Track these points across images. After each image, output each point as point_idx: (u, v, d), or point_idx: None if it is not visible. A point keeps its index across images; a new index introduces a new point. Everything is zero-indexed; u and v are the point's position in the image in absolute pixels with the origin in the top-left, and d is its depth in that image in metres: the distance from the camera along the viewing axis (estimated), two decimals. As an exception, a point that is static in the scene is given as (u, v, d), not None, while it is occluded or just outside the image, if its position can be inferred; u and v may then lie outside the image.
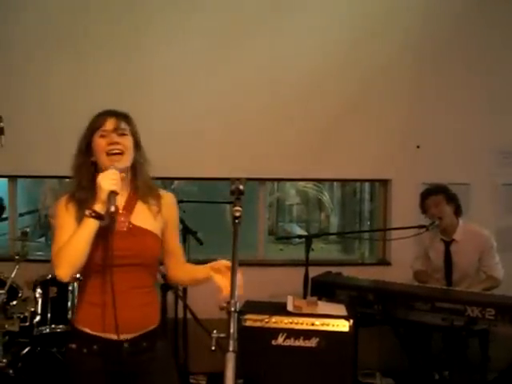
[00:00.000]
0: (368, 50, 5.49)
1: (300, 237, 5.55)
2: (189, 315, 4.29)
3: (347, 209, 9.37)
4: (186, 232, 4.55)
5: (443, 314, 4.06)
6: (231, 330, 1.87)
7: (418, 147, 5.53)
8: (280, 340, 3.89)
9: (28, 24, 5.33)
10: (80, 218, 2.33)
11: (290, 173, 5.66)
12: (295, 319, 3.90)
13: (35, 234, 6.91)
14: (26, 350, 4.00)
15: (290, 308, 4.00)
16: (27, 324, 3.95)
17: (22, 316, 3.99)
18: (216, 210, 6.22)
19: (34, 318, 3.93)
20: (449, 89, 5.53)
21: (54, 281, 4.04)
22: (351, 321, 3.89)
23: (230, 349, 1.82)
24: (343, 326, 3.87)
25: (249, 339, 3.77)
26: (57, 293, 4.01)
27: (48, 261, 5.37)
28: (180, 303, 4.50)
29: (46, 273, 4.12)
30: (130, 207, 2.48)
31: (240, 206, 2.16)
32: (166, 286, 4.13)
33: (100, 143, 2.41)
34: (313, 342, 3.87)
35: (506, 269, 4.60)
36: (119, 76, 5.38)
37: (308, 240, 4.64)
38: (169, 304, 4.41)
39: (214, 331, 2.22)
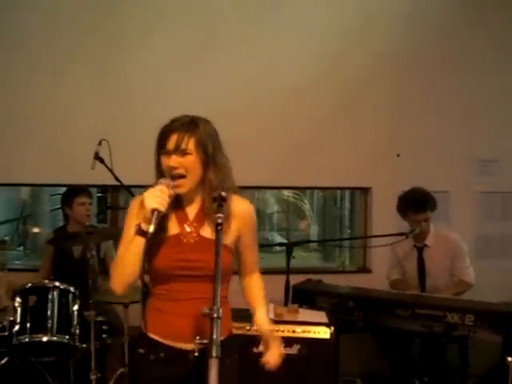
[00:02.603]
0: (347, 60, 5.55)
1: (281, 244, 5.55)
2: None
3: (327, 217, 9.39)
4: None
5: (423, 321, 4.08)
6: (214, 336, 1.89)
7: (398, 155, 5.60)
8: (261, 347, 3.86)
9: (17, 30, 5.33)
10: None
11: (271, 181, 5.68)
12: (276, 327, 3.89)
13: (14, 242, 6.85)
14: (5, 359, 3.95)
15: (271, 315, 3.98)
16: (6, 333, 3.89)
17: (0, 325, 3.94)
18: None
19: (13, 327, 3.86)
20: (429, 98, 5.60)
21: (34, 289, 3.98)
22: (332, 328, 3.89)
23: (213, 355, 1.84)
24: (324, 333, 3.87)
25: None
26: (36, 302, 3.95)
27: (26, 270, 5.38)
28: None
29: (24, 282, 4.07)
30: (199, 219, 2.41)
31: (222, 213, 2.19)
32: (148, 293, 4.12)
33: (163, 163, 2.34)
34: (294, 349, 3.87)
35: (485, 275, 4.65)
36: (98, 82, 5.39)
37: (289, 248, 4.64)
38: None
39: (197, 337, 2.23)
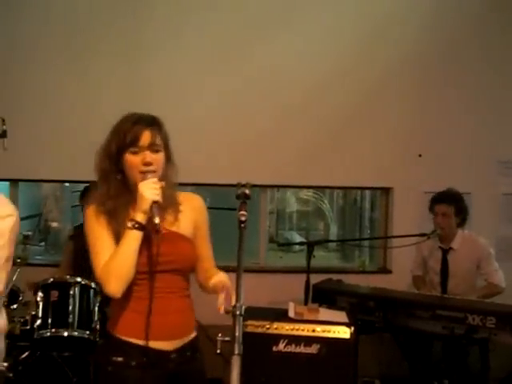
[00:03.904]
0: (371, 59, 5.53)
1: (302, 243, 5.56)
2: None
3: (347, 217, 9.37)
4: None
5: (443, 322, 4.03)
6: (236, 334, 1.88)
7: (419, 156, 5.57)
8: (281, 346, 3.87)
9: (29, 26, 5.38)
10: (113, 230, 2.31)
11: (291, 180, 5.69)
12: (296, 325, 3.88)
13: (36, 238, 6.90)
14: (27, 353, 3.99)
15: (291, 314, 3.99)
16: (28, 327, 3.94)
17: (22, 320, 3.98)
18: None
19: (35, 321, 3.91)
20: (451, 98, 5.57)
21: (56, 284, 4.03)
22: (352, 328, 3.87)
23: (236, 352, 1.83)
24: (344, 332, 3.86)
25: (250, 345, 3.75)
26: (58, 297, 3.98)
27: (48, 265, 5.44)
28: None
29: (47, 276, 4.11)
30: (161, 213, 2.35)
31: (245, 211, 2.18)
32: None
33: (133, 161, 2.31)
34: (314, 349, 3.85)
35: (507, 277, 4.60)
36: (120, 79, 5.44)
37: (310, 247, 4.64)
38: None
39: (219, 335, 2.23)
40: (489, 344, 4.15)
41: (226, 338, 1.99)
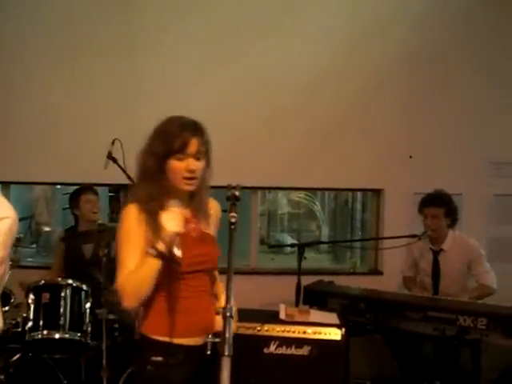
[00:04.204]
0: (361, 61, 5.53)
1: (293, 245, 5.54)
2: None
3: (339, 219, 9.39)
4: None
5: (435, 324, 4.05)
6: (227, 335, 1.89)
7: (410, 157, 5.58)
8: (272, 348, 3.88)
9: (18, 27, 5.34)
10: (150, 229, 2.33)
11: (282, 182, 5.68)
12: (287, 327, 3.89)
13: (27, 240, 6.90)
14: (18, 355, 3.98)
15: (282, 316, 3.99)
16: (19, 330, 3.93)
17: (14, 322, 3.97)
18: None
19: (26, 323, 3.90)
20: (441, 99, 5.59)
21: (47, 287, 4.01)
22: (343, 329, 3.87)
23: (226, 353, 1.84)
24: (335, 334, 3.86)
25: (241, 347, 3.76)
26: (49, 299, 3.97)
27: (40, 267, 5.41)
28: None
29: (38, 279, 4.10)
30: (196, 215, 2.50)
31: (236, 212, 2.21)
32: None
33: (177, 166, 2.37)
34: (305, 351, 3.86)
35: (498, 278, 4.61)
36: (110, 80, 5.41)
37: (301, 248, 4.65)
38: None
39: (209, 335, 2.24)
40: (480, 345, 4.16)
41: (216, 340, 1.99)
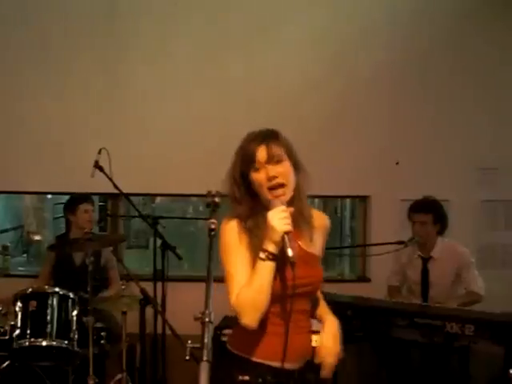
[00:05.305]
0: (347, 66, 5.56)
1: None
2: (167, 330, 4.33)
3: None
4: (165, 248, 4.59)
5: (422, 330, 4.02)
6: (205, 340, 1.88)
7: (397, 163, 5.58)
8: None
9: (11, 38, 5.38)
10: (253, 246, 2.23)
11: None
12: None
13: (18, 249, 6.88)
14: (6, 363, 3.98)
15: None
16: (7, 337, 3.93)
17: (1, 330, 3.97)
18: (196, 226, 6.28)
19: (14, 331, 3.91)
20: (428, 105, 5.61)
21: (34, 295, 4.03)
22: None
23: (204, 358, 1.84)
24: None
25: (227, 355, 3.74)
26: (36, 306, 3.98)
27: (30, 276, 5.40)
28: (159, 318, 4.49)
29: (25, 287, 4.11)
30: (296, 230, 2.27)
31: (215, 219, 2.17)
32: (145, 300, 4.15)
33: (257, 178, 2.26)
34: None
35: (486, 285, 4.62)
36: (100, 87, 5.45)
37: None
38: (148, 319, 4.40)
39: (189, 341, 2.24)
40: (469, 352, 4.16)
41: (196, 345, 1.99)
